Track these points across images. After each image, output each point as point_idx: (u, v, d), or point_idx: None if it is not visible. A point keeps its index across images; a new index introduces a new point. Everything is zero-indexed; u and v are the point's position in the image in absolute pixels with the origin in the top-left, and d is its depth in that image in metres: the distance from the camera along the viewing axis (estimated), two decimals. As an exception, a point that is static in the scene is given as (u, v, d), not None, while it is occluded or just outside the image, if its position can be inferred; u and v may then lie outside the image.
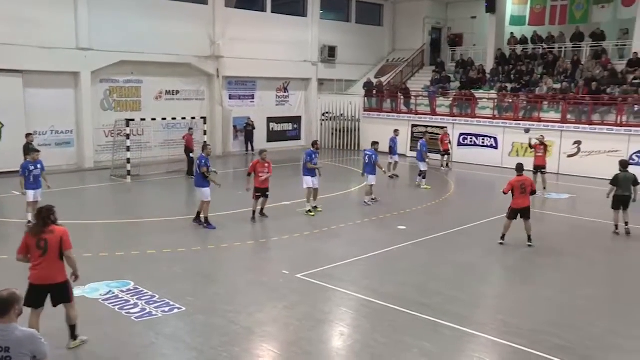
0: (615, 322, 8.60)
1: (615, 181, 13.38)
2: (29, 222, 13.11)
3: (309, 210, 14.93)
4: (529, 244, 12.26)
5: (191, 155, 20.01)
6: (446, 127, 25.06)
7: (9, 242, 12.53)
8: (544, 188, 18.24)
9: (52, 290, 7.07)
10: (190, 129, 20.99)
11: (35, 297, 6.96)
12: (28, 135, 16.88)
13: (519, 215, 12.34)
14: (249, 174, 14.01)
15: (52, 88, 20.86)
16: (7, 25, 19.16)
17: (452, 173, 23.02)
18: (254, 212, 14.22)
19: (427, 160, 19.19)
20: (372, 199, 16.44)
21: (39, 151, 13.74)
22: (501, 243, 12.35)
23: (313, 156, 15.05)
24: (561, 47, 27.11)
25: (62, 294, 7.14)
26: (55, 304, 7.17)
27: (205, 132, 22.21)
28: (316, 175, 15.09)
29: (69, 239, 7.12)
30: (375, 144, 16.76)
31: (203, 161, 13.27)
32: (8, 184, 16.28)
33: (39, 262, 7.00)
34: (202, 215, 13.37)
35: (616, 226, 13.55)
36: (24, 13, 19.52)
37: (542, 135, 19.29)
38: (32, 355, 4.34)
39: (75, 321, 7.34)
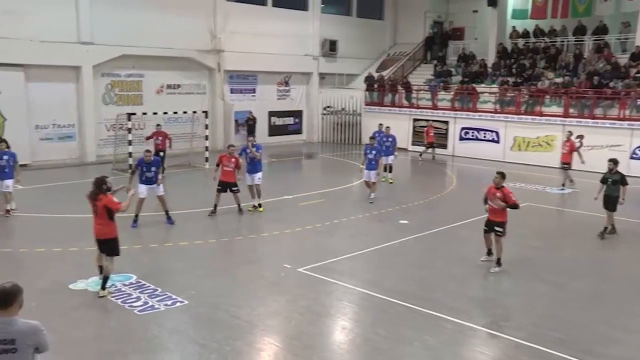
0: (614, 316, 8.62)
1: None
2: (7, 211, 13.49)
3: (253, 206, 14.60)
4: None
5: (160, 154, 18.61)
6: (430, 120, 25.46)
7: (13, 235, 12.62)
8: (563, 184, 18.34)
9: (103, 244, 8.88)
10: (158, 125, 19.95)
11: (98, 246, 9.02)
12: None
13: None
14: (217, 165, 14.14)
15: (53, 82, 20.86)
16: (8, 19, 19.14)
17: (453, 167, 23.05)
18: (215, 205, 14.03)
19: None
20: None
21: (4, 142, 13.99)
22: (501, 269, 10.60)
23: (247, 151, 14.57)
24: (563, 41, 27.03)
25: (109, 248, 8.91)
26: (106, 254, 8.89)
27: (206, 126, 22.23)
28: (256, 171, 14.54)
29: (113, 204, 8.68)
30: (371, 139, 16.79)
31: (136, 163, 13.41)
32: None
33: (94, 221, 8.87)
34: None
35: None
36: (25, 7, 19.48)
37: (569, 132, 19.15)
38: (35, 347, 4.37)
39: (109, 274, 8.89)
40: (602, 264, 11.31)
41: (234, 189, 14.02)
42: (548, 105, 23.77)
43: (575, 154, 18.49)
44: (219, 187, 14.01)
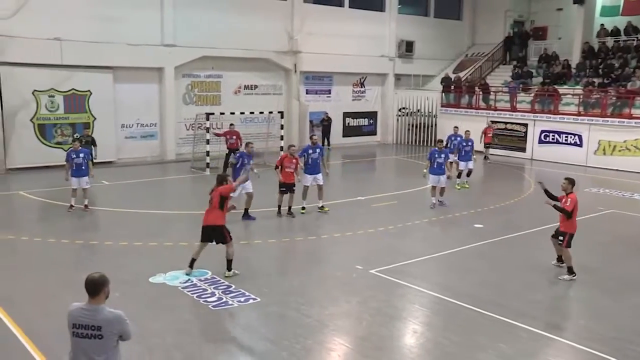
0: None
1: None
2: (71, 206, 13.91)
3: (302, 208, 14.25)
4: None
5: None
6: (490, 121, 24.94)
7: (99, 228, 13.29)
8: None
9: (213, 230, 9.58)
10: (232, 124, 20.20)
11: (203, 234, 9.69)
12: (85, 128, 17.51)
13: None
14: (277, 167, 13.92)
15: (138, 83, 21.81)
16: (99, 25, 20.18)
17: (531, 171, 22.30)
18: (279, 207, 13.96)
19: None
20: (437, 202, 15.33)
21: (79, 141, 14.85)
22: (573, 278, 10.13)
23: (310, 151, 14.29)
24: (660, 39, 25.50)
25: (218, 235, 9.62)
26: (216, 242, 9.68)
27: (282, 127, 22.56)
28: (319, 172, 14.35)
29: (225, 188, 9.66)
30: (439, 142, 16.02)
31: (237, 155, 13.69)
32: (99, 175, 16.70)
33: (208, 210, 9.70)
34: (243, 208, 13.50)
35: None
36: (114, 12, 20.47)
37: None
38: (119, 335, 4.61)
39: (231, 257, 9.70)
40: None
41: (293, 189, 13.94)
42: (638, 108, 22.50)
43: None
44: (283, 189, 13.89)
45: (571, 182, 10.26)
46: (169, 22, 21.87)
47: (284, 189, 13.89)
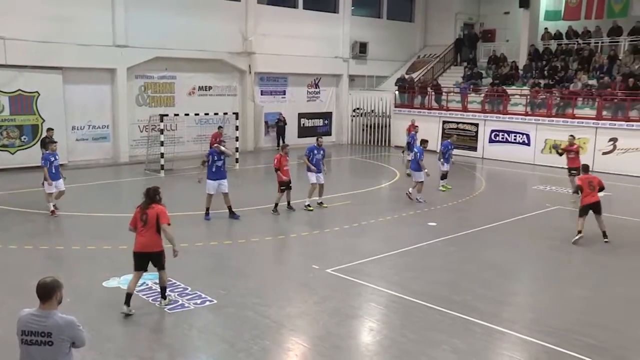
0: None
1: None
2: (55, 209, 13.62)
3: (308, 205, 14.96)
4: (606, 240, 12.22)
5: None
6: (413, 119, 24.06)
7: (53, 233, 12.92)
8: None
9: (150, 257, 8.31)
10: (220, 127, 20.65)
11: (137, 262, 8.32)
12: (49, 129, 17.06)
13: (590, 211, 12.26)
14: (277, 169, 14.29)
15: (89, 84, 21.32)
16: (48, 24, 19.63)
17: (482, 170, 22.85)
18: (276, 204, 14.47)
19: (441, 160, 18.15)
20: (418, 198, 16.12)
21: (56, 142, 14.63)
22: (579, 238, 12.16)
23: (315, 152, 15.01)
24: (597, 42, 26.54)
25: (156, 261, 8.36)
26: (154, 266, 8.39)
27: (237, 128, 22.43)
28: (321, 171, 15.05)
29: (165, 215, 8.26)
30: (424, 142, 16.79)
31: (207, 153, 14.00)
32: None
33: (141, 232, 8.24)
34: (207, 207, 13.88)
35: None
36: (64, 12, 19.96)
37: (572, 136, 18.07)
38: (72, 342, 4.49)
39: (165, 284, 8.56)
40: None
41: (290, 185, 14.51)
42: (580, 108, 23.38)
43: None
44: (283, 187, 14.40)
45: (583, 168, 13.00)
46: (120, 22, 21.45)
47: (284, 186, 14.41)
